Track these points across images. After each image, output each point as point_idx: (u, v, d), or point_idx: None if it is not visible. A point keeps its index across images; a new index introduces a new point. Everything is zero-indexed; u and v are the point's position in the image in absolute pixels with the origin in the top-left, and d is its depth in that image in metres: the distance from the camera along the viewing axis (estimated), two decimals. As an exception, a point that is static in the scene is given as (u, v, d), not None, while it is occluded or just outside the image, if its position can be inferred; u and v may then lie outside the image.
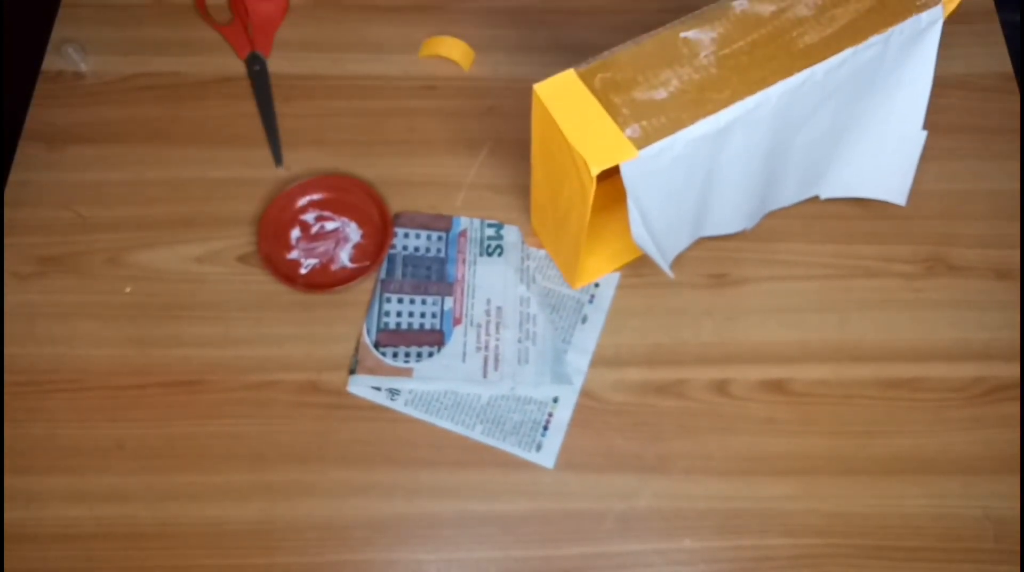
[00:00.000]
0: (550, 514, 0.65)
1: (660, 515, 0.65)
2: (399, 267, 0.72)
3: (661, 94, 0.56)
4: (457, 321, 0.71)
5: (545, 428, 0.67)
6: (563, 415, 0.68)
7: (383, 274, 0.72)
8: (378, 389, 0.68)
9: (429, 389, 0.68)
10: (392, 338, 0.70)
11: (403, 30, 0.84)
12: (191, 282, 0.72)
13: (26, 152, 0.77)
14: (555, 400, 0.68)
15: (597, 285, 0.72)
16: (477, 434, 0.67)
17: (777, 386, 0.69)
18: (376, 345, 0.69)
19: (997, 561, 0.64)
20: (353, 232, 0.74)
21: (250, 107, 0.80)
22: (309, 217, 0.75)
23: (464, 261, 0.73)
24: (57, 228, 0.74)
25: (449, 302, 0.71)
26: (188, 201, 0.75)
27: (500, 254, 0.73)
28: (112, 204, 0.75)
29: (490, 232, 0.74)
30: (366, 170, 0.77)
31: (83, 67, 0.81)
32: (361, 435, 0.67)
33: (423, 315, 0.71)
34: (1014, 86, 0.81)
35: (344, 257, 0.73)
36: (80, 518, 0.64)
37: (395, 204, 0.76)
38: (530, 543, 0.64)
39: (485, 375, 0.69)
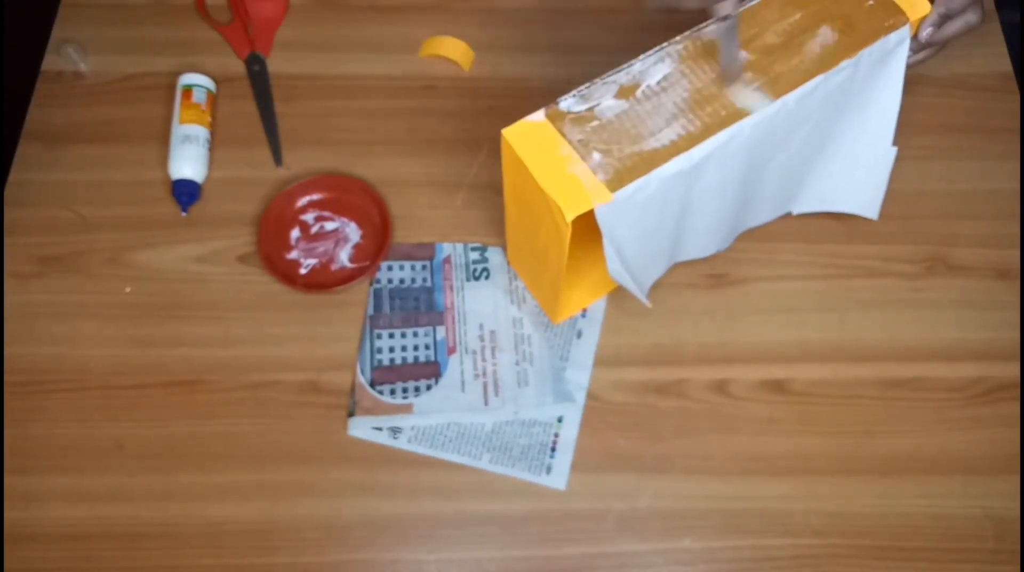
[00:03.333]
0: (550, 514, 0.65)
1: (660, 515, 0.65)
2: (386, 301, 0.71)
3: (633, 133, 0.55)
4: (452, 350, 0.69)
5: (553, 449, 0.66)
6: (569, 433, 0.67)
7: (371, 310, 0.71)
8: (379, 429, 0.67)
9: (431, 423, 0.67)
10: (387, 375, 0.68)
11: (403, 30, 0.84)
12: (191, 282, 0.72)
13: (26, 152, 0.77)
14: (559, 419, 0.67)
15: None
16: (485, 463, 0.66)
17: (777, 386, 0.69)
18: (372, 384, 0.68)
19: (997, 561, 0.64)
20: (353, 232, 0.74)
21: (250, 107, 0.80)
22: (309, 217, 0.75)
23: (451, 288, 0.72)
24: (57, 228, 0.74)
25: (441, 331, 0.70)
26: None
27: (487, 277, 0.72)
28: (112, 204, 0.75)
29: (474, 256, 0.73)
30: (366, 170, 0.77)
31: (83, 67, 0.81)
32: (361, 435, 0.67)
33: (416, 348, 0.69)
34: (1014, 86, 0.81)
35: (344, 257, 0.73)
36: (80, 518, 0.64)
37: (395, 204, 0.75)
38: (530, 543, 0.64)
39: (486, 402, 0.68)
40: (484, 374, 0.69)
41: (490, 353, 0.69)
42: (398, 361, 0.69)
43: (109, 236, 0.74)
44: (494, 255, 0.73)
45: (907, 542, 0.64)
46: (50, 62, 0.82)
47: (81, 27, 0.83)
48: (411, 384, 0.68)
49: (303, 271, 0.73)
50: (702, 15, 0.61)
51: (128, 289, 0.72)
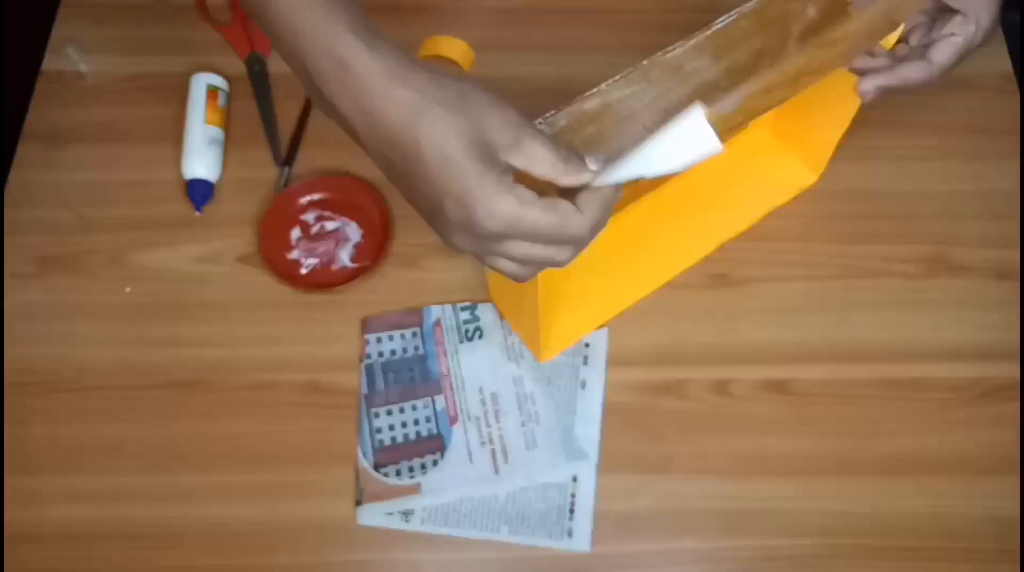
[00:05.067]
0: (550, 514, 0.65)
1: (661, 515, 0.65)
2: (379, 377, 0.68)
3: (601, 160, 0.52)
4: (453, 420, 0.66)
5: (571, 511, 0.64)
6: (586, 492, 0.64)
7: (364, 389, 0.67)
8: (391, 514, 0.64)
9: (442, 501, 0.64)
10: (391, 455, 0.65)
11: (403, 30, 0.83)
12: (191, 282, 0.72)
13: (26, 152, 0.77)
14: (574, 479, 0.65)
15: (587, 344, 0.69)
16: (504, 535, 0.63)
17: (778, 386, 0.69)
18: (376, 467, 0.65)
19: (997, 561, 0.64)
20: (353, 232, 0.74)
21: (250, 107, 0.80)
22: (309, 217, 0.75)
23: (445, 353, 0.69)
24: (57, 228, 0.74)
25: (440, 401, 0.67)
26: (188, 201, 0.75)
27: (480, 337, 0.69)
28: (112, 204, 0.75)
29: (465, 316, 0.70)
30: (366, 170, 0.77)
31: (83, 67, 0.81)
32: (361, 435, 0.67)
33: (416, 422, 0.66)
34: (1014, 86, 0.81)
35: (344, 257, 0.73)
36: (81, 518, 0.64)
37: (395, 204, 0.75)
38: (530, 543, 0.64)
39: (496, 471, 0.65)
40: (491, 441, 0.66)
41: (494, 418, 0.67)
42: (399, 439, 0.66)
43: (109, 236, 0.74)
44: (485, 313, 0.70)
45: (907, 542, 0.64)
46: (50, 62, 0.82)
47: (81, 27, 0.83)
48: (416, 462, 0.65)
49: (304, 271, 0.73)
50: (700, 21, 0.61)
51: (128, 289, 0.72)
